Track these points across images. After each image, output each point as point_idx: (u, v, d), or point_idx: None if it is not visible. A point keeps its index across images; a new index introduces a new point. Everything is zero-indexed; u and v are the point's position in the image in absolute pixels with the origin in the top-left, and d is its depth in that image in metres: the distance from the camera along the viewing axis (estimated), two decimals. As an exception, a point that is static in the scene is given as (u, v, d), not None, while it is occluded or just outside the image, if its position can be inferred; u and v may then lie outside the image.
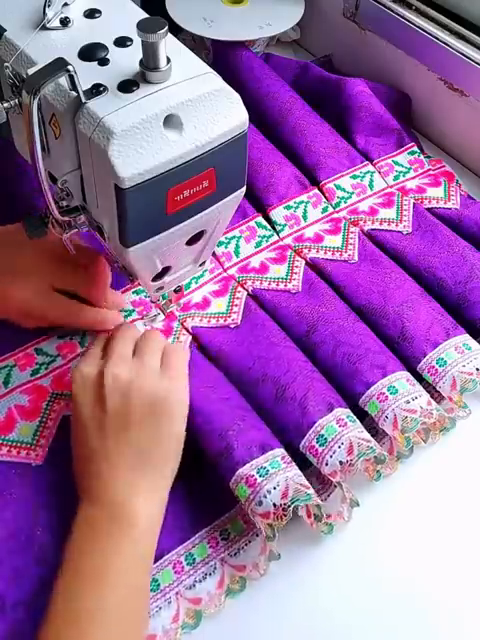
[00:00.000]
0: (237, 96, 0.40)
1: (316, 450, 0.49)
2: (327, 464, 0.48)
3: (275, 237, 0.65)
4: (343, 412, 0.51)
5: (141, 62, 0.38)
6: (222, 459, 0.48)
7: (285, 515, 0.45)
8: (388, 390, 0.52)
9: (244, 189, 0.45)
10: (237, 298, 0.60)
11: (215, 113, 0.39)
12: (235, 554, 0.48)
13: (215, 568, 0.47)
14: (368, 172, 0.71)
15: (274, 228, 0.66)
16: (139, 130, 0.37)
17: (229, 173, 0.42)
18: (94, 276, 0.55)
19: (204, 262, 0.51)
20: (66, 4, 0.42)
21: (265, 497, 0.45)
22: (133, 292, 0.60)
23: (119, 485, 0.45)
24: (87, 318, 0.56)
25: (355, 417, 0.51)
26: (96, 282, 0.55)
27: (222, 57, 0.79)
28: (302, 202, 0.68)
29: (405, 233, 0.66)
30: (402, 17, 0.74)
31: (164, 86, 0.38)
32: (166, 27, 0.36)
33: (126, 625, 0.42)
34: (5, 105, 0.39)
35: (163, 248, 0.44)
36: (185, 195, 0.40)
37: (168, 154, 0.38)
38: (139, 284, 0.57)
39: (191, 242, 0.46)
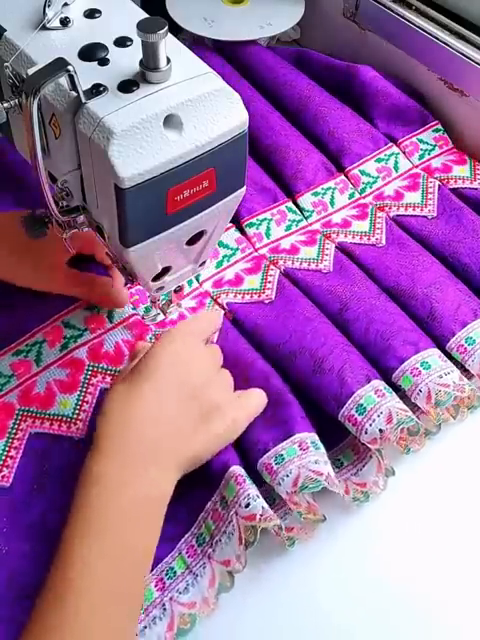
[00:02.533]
0: (237, 96, 0.40)
1: (355, 419, 0.50)
2: (366, 432, 0.49)
3: (305, 222, 0.66)
4: (380, 384, 0.52)
5: (141, 62, 0.38)
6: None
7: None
8: (421, 365, 0.53)
9: (244, 189, 0.45)
10: (270, 275, 0.61)
11: (215, 113, 0.39)
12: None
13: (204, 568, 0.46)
14: (392, 154, 0.72)
15: (303, 214, 0.67)
16: (139, 130, 0.37)
17: (229, 173, 0.42)
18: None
19: (204, 262, 0.51)
20: (66, 4, 0.42)
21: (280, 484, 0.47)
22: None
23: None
24: (101, 288, 0.57)
25: (391, 390, 0.52)
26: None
27: (231, 53, 0.79)
28: (329, 188, 0.69)
29: (430, 217, 0.66)
30: (402, 17, 0.74)
31: (164, 86, 0.38)
32: (166, 27, 0.36)
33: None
34: (5, 105, 0.39)
35: (163, 248, 0.44)
36: (185, 195, 0.40)
37: (168, 154, 0.38)
38: (139, 284, 0.57)
39: (191, 242, 0.46)
